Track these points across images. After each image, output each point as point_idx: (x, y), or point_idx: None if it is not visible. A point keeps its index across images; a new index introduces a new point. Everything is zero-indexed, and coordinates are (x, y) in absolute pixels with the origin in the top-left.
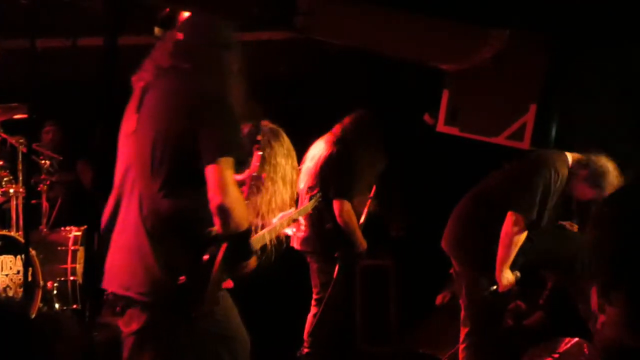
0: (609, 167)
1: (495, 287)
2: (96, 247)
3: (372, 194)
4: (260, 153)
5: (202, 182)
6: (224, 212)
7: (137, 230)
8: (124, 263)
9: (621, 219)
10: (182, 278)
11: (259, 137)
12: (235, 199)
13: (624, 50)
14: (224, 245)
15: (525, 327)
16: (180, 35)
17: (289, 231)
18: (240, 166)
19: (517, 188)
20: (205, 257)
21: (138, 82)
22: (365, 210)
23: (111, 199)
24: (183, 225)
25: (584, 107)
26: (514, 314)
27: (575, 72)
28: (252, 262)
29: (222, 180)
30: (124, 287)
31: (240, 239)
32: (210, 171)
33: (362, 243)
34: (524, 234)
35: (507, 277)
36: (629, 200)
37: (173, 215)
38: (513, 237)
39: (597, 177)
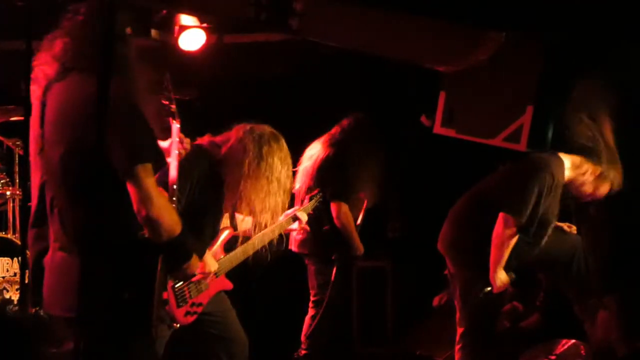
0: (607, 168)
1: (489, 288)
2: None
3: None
4: (178, 126)
5: (122, 189)
6: (152, 223)
7: (67, 250)
8: (61, 284)
9: (616, 225)
10: (127, 294)
11: (173, 107)
12: (161, 208)
13: (620, 51)
14: (161, 255)
15: (522, 329)
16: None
17: (294, 225)
18: (160, 166)
19: (511, 190)
20: (144, 269)
21: (33, 93)
22: (362, 212)
23: (31, 219)
24: (110, 237)
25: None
26: (511, 315)
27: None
28: (194, 262)
29: (144, 192)
30: (66, 309)
31: (175, 244)
32: (129, 184)
33: (359, 247)
34: (516, 236)
35: (501, 278)
36: (625, 207)
37: (98, 228)
38: (504, 238)
39: (595, 177)
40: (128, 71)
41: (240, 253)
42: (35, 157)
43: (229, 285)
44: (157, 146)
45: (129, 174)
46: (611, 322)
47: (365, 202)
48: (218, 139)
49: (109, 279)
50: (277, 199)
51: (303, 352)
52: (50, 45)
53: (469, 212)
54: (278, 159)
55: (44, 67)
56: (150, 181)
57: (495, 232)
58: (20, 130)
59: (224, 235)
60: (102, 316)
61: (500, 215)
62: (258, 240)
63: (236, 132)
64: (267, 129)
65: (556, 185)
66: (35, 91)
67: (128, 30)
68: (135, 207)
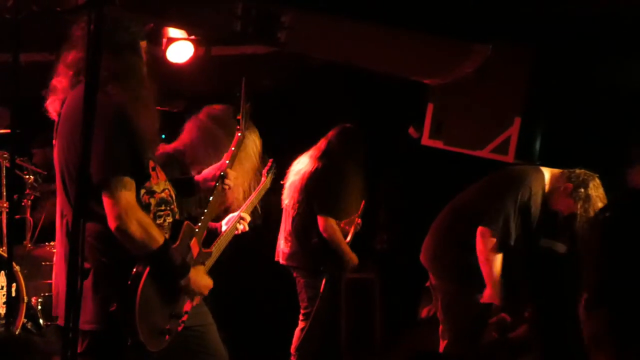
0: (592, 180)
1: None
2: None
3: (359, 212)
4: (240, 134)
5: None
6: (123, 235)
7: (66, 259)
8: (62, 291)
9: (606, 239)
10: (114, 305)
11: (239, 117)
12: (132, 221)
13: (609, 63)
14: (148, 268)
15: (510, 340)
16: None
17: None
18: (145, 180)
19: (487, 202)
20: (129, 281)
21: (53, 107)
22: (352, 229)
23: None
24: (106, 249)
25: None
26: (499, 326)
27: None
28: (201, 281)
29: (114, 205)
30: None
31: (156, 259)
32: (103, 194)
33: (352, 258)
34: (499, 252)
35: (498, 294)
36: (615, 220)
37: (94, 239)
38: (486, 252)
39: (580, 190)
40: (130, 81)
41: (215, 251)
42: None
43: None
44: (141, 161)
45: (102, 185)
46: (600, 334)
47: (356, 220)
48: (175, 144)
49: (97, 289)
50: (246, 174)
51: None
52: (65, 57)
53: (449, 225)
54: (251, 152)
55: (60, 78)
56: (124, 194)
57: (477, 248)
58: (5, 143)
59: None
60: (92, 327)
61: (478, 229)
62: (231, 231)
63: (193, 123)
64: (219, 107)
65: (533, 197)
66: (54, 102)
67: (143, 43)
68: (108, 219)
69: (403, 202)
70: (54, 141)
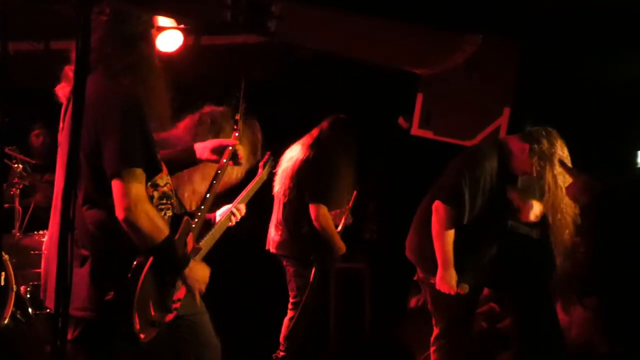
0: (546, 136)
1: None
2: (69, 250)
3: (351, 203)
4: (237, 134)
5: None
6: (130, 227)
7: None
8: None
9: (604, 229)
10: (110, 294)
11: (237, 117)
12: (141, 213)
13: (597, 55)
14: (150, 259)
15: (499, 330)
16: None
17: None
18: (155, 174)
19: (444, 180)
20: (130, 272)
21: (62, 92)
22: (343, 219)
23: None
24: (107, 238)
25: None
26: (488, 316)
27: (548, 76)
28: (200, 271)
29: (125, 196)
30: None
31: (160, 251)
32: (113, 185)
33: (341, 247)
34: (450, 228)
35: (447, 279)
36: (613, 211)
37: (96, 228)
38: (437, 227)
39: (534, 147)
40: (144, 71)
41: (209, 240)
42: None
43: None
44: (152, 154)
45: (114, 175)
46: (592, 322)
47: (347, 210)
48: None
49: (94, 277)
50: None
51: (281, 353)
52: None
53: (426, 218)
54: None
55: (72, 65)
56: (135, 186)
57: (432, 223)
58: None
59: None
60: (86, 314)
61: (433, 204)
62: (225, 221)
63: (189, 121)
64: (219, 109)
65: (483, 172)
66: (64, 87)
67: (154, 32)
68: (115, 209)
69: (392, 192)
70: (60, 124)
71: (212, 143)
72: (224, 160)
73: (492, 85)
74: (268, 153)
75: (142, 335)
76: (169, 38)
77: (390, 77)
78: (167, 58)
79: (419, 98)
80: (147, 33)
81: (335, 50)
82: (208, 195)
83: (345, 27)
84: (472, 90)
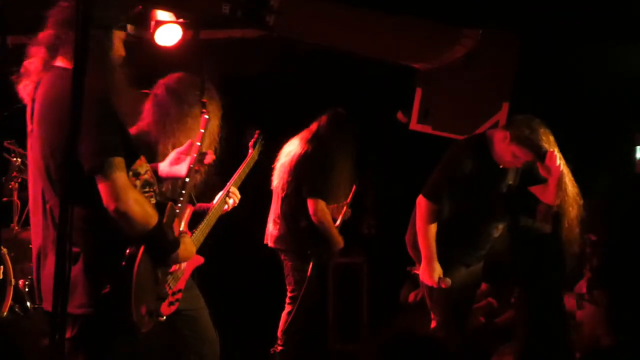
0: (527, 123)
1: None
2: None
3: (349, 198)
4: (207, 117)
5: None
6: (122, 216)
7: (54, 245)
8: (49, 278)
9: (613, 224)
10: (107, 287)
11: (204, 100)
12: (130, 201)
13: (595, 49)
14: (142, 247)
15: (496, 325)
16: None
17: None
18: (133, 161)
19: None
20: (123, 262)
21: (25, 91)
22: (341, 214)
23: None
24: (96, 231)
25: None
26: (486, 311)
27: (547, 70)
28: (188, 249)
29: (111, 186)
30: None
31: (152, 237)
32: (98, 178)
33: (339, 241)
34: (432, 222)
35: (431, 273)
36: (621, 206)
37: (84, 223)
38: (419, 221)
39: (514, 134)
40: (107, 64)
41: (205, 226)
42: (28, 153)
43: (200, 259)
44: (128, 141)
45: (96, 169)
46: (599, 316)
47: (345, 206)
48: (137, 126)
49: (89, 273)
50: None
51: (279, 347)
52: (36, 38)
53: None
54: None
55: (33, 59)
56: (119, 175)
57: (416, 219)
58: None
59: (187, 213)
60: (84, 311)
61: (417, 199)
62: (219, 206)
63: (151, 101)
64: (174, 77)
65: (460, 166)
66: (27, 86)
67: (129, 28)
68: (104, 201)
69: (391, 187)
70: (28, 126)
71: (170, 156)
72: (191, 166)
73: (490, 80)
74: (257, 132)
75: (141, 327)
76: (168, 32)
77: (389, 71)
78: (166, 52)
79: (418, 93)
80: (108, 26)
81: (334, 44)
82: (184, 192)
83: (344, 21)
84: (471, 85)
